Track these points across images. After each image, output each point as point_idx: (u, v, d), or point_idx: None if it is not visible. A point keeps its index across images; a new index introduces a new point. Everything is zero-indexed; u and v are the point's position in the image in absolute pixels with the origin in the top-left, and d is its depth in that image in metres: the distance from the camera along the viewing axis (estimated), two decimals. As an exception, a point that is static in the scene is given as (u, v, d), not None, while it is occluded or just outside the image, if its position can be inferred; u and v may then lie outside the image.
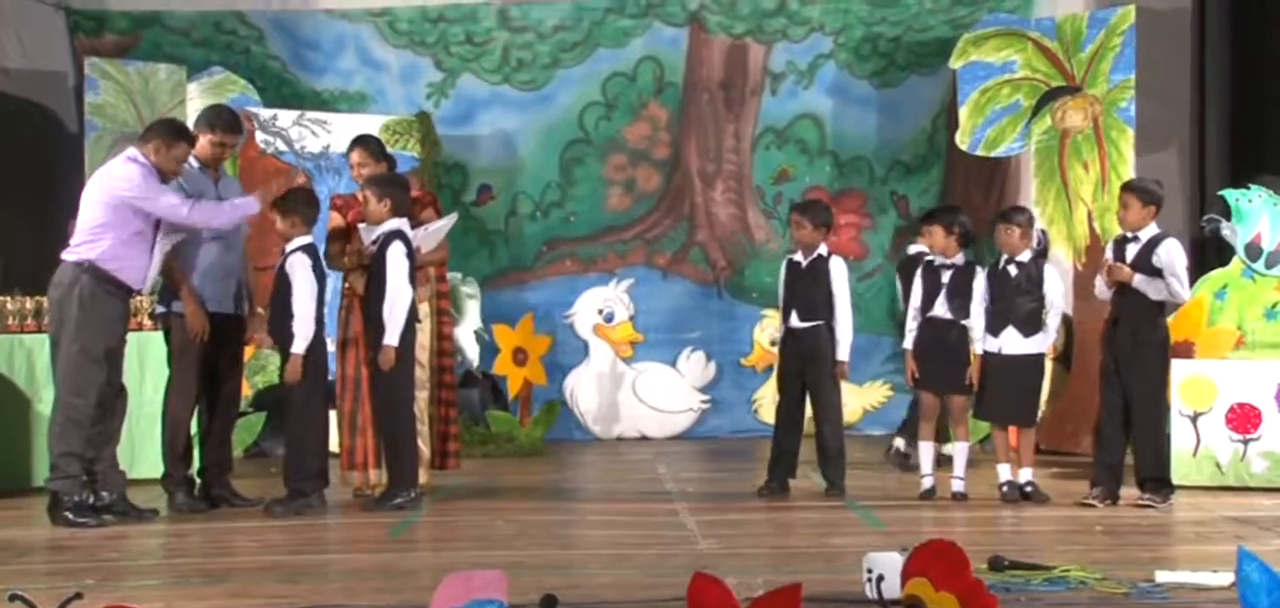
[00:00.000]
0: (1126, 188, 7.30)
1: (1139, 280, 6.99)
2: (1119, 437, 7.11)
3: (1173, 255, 7.00)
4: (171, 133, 6.89)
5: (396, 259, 6.92)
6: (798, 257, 7.60)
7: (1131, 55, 9.41)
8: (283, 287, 6.90)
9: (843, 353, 7.51)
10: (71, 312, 6.57)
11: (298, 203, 7.01)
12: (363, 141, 7.63)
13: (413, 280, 7.03)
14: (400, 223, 7.04)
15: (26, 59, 10.06)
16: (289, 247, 6.93)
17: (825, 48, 10.87)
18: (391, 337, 6.90)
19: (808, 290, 7.50)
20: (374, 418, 7.16)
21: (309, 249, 6.98)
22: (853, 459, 9.34)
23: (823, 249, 7.54)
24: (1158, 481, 7.07)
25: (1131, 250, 7.07)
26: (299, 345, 6.85)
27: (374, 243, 7.03)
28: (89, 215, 6.66)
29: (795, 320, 7.53)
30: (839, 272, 7.51)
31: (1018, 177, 10.33)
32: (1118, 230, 7.39)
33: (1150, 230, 7.08)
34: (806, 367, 7.53)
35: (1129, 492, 7.08)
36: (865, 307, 11.00)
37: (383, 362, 6.90)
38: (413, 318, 7.06)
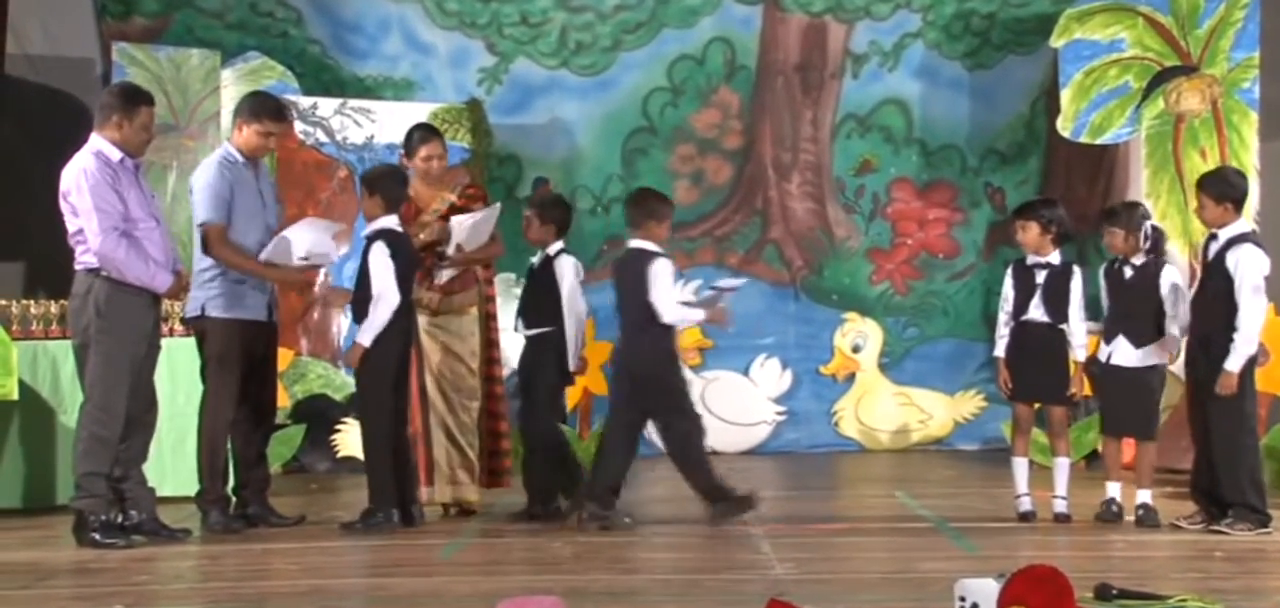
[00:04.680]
0: (1199, 184, 7.04)
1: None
2: (1207, 456, 6.96)
3: (1243, 262, 6.74)
4: (127, 101, 6.73)
5: (379, 259, 6.94)
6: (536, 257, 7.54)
7: (1255, 30, 9.29)
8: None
9: (569, 362, 7.40)
10: (91, 321, 6.62)
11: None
12: (438, 133, 7.64)
13: (406, 283, 7.01)
14: (389, 221, 7.04)
15: (51, 46, 10.18)
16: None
17: (912, 26, 10.81)
18: (365, 336, 6.92)
19: (534, 294, 7.45)
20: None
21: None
22: (942, 476, 9.33)
23: (552, 248, 7.43)
24: (1243, 507, 6.79)
25: (1213, 251, 6.89)
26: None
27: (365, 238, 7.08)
28: (71, 222, 6.67)
29: (521, 327, 7.50)
30: (563, 271, 7.37)
31: (1126, 166, 10.21)
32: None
33: (1232, 229, 6.85)
34: (527, 379, 7.50)
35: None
36: (956, 310, 10.95)
37: (347, 359, 6.90)
38: (404, 325, 7.03)
